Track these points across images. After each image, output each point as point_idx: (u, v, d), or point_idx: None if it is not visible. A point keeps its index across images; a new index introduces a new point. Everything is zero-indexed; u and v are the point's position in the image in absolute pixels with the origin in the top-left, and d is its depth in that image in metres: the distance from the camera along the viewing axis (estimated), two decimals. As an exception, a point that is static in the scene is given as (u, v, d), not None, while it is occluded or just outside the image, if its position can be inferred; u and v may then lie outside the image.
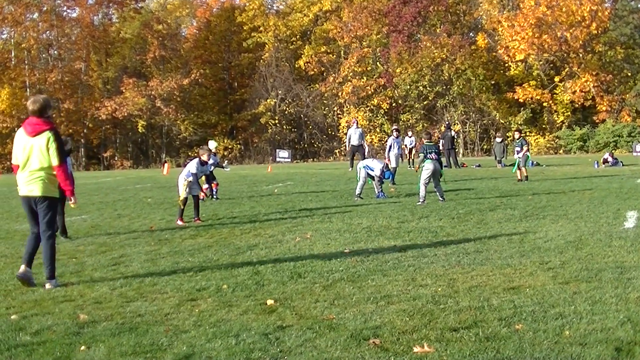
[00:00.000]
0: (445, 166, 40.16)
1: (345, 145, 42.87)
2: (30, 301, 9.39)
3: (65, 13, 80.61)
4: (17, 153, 10.39)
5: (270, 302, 8.86)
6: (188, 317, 8.28)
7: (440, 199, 20.76)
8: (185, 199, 18.12)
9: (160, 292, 9.68)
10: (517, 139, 29.54)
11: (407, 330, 7.43)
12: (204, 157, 18.67)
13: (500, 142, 43.18)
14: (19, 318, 8.49)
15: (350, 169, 39.14)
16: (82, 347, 7.21)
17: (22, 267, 10.34)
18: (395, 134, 30.69)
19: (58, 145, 10.23)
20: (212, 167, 23.52)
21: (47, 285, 10.21)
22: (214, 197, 23.63)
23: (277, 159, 65.18)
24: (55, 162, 10.22)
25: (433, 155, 20.78)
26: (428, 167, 20.68)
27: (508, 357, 6.54)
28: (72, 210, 20.76)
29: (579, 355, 6.50)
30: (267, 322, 7.96)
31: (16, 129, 68.04)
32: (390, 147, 29.49)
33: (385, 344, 7.01)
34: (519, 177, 27.68)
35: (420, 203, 20.23)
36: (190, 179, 18.15)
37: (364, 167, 22.65)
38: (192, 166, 18.36)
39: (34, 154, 10.23)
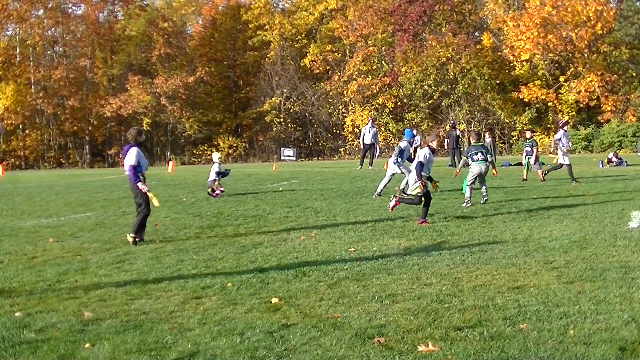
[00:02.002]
0: (449, 165, 40.25)
1: (359, 143, 42.81)
2: (35, 298, 9.41)
3: (70, 10, 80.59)
4: None
5: (274, 300, 8.88)
6: (193, 315, 8.29)
7: (483, 199, 20.03)
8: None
9: (165, 290, 9.70)
10: (529, 139, 29.20)
11: (412, 329, 7.44)
12: (434, 144, 17.99)
13: (490, 141, 43.20)
14: (23, 315, 8.51)
15: (360, 167, 39.07)
16: (87, 345, 7.23)
17: None
18: (565, 127, 29.73)
19: None
20: (220, 176, 23.82)
21: None
22: (213, 195, 23.75)
23: (282, 157, 65.10)
24: None
25: (480, 156, 19.84)
26: (474, 169, 19.84)
27: (512, 356, 6.55)
28: (77, 207, 20.80)
29: (583, 354, 6.51)
30: (271, 320, 7.97)
31: (21, 125, 68.12)
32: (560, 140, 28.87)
33: (389, 342, 7.02)
34: (541, 177, 27.39)
35: (465, 205, 19.43)
36: (424, 172, 17.46)
37: (395, 162, 22.33)
38: (424, 154, 17.31)
39: None
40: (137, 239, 14.09)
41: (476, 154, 19.89)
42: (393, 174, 22.81)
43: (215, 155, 25.48)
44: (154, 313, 8.46)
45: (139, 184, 14.22)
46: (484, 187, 20.12)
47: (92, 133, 78.02)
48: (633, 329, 7.18)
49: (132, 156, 14.23)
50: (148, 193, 14.37)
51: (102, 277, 10.73)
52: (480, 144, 20.57)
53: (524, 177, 27.87)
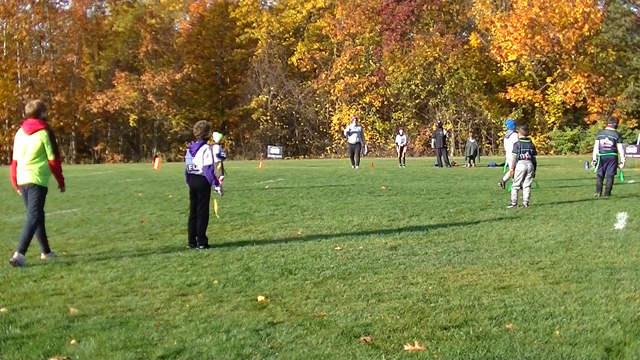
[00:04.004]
0: (436, 165, 40.29)
1: (346, 140, 42.90)
2: (20, 294, 9.38)
3: (58, 5, 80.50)
4: (16, 149, 11.96)
5: (261, 298, 8.86)
6: (179, 312, 8.27)
7: (525, 202, 19.06)
8: None
9: (151, 287, 9.68)
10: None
11: (398, 328, 7.44)
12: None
13: (474, 142, 43.34)
14: (8, 311, 8.47)
15: (353, 166, 38.95)
16: (73, 341, 7.20)
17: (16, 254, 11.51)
18: None
19: (52, 143, 11.82)
20: (222, 159, 23.80)
21: (43, 256, 12.07)
22: (219, 190, 23.77)
23: (269, 155, 65.08)
24: (50, 157, 11.81)
25: (526, 155, 18.97)
26: (519, 167, 18.98)
27: (498, 356, 6.55)
28: (63, 203, 20.75)
29: (569, 355, 6.53)
30: (257, 318, 7.96)
31: (7, 120, 67.91)
32: None
33: (376, 341, 7.02)
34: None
35: (510, 207, 18.81)
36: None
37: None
38: None
39: (29, 149, 11.71)
40: (207, 244, 13.17)
41: (524, 151, 18.99)
42: None
43: (217, 135, 24.69)
44: (139, 310, 8.44)
45: (218, 189, 13.46)
46: (526, 189, 19.20)
47: (79, 129, 77.90)
48: (618, 330, 7.20)
49: (208, 155, 13.19)
50: (216, 201, 13.66)
51: (87, 273, 10.70)
52: (528, 140, 19.52)
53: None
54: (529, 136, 20.07)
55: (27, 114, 12.14)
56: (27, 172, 11.81)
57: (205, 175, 13.16)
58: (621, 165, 21.85)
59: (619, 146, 21.40)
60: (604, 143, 21.60)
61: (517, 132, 21.51)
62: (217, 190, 13.47)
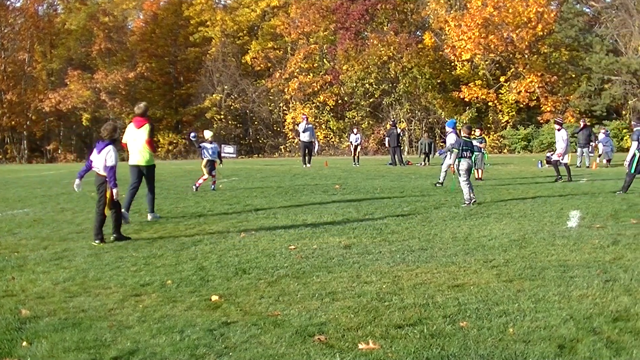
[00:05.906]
0: (390, 163, 40.43)
1: (299, 141, 42.85)
2: (-29, 295, 9.26)
3: (9, 2, 79.61)
4: (128, 137, 17.13)
5: (214, 298, 8.82)
6: (132, 313, 8.21)
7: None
8: None
9: (104, 287, 9.59)
10: (479, 137, 28.84)
11: (352, 327, 7.44)
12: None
13: (429, 141, 43.45)
14: (-42, 313, 8.36)
15: (304, 165, 38.95)
16: (24, 343, 7.11)
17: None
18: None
19: (151, 130, 17.09)
20: (215, 156, 23.78)
21: (149, 217, 16.90)
22: (212, 188, 24.05)
23: (222, 155, 64.82)
24: (146, 137, 16.92)
25: (468, 153, 19.19)
26: (463, 166, 19.13)
27: (453, 354, 6.57)
28: (15, 203, 20.50)
29: (522, 352, 6.56)
30: (211, 318, 7.92)
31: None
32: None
33: (330, 340, 7.01)
34: (478, 176, 27.50)
35: (465, 205, 18.79)
36: None
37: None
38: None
39: (139, 139, 16.91)
40: (103, 239, 13.57)
41: (466, 150, 19.24)
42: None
43: (208, 133, 25.33)
44: (92, 311, 8.36)
45: (115, 191, 13.63)
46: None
47: (30, 128, 77.14)
48: (571, 327, 7.25)
49: (111, 156, 13.50)
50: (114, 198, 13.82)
51: (40, 274, 10.58)
52: (469, 139, 19.76)
53: (478, 176, 27.75)
54: (483, 135, 20.36)
55: (136, 114, 17.28)
56: (140, 155, 16.92)
57: (105, 174, 13.61)
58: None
59: (634, 145, 21.50)
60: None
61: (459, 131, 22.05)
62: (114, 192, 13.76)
